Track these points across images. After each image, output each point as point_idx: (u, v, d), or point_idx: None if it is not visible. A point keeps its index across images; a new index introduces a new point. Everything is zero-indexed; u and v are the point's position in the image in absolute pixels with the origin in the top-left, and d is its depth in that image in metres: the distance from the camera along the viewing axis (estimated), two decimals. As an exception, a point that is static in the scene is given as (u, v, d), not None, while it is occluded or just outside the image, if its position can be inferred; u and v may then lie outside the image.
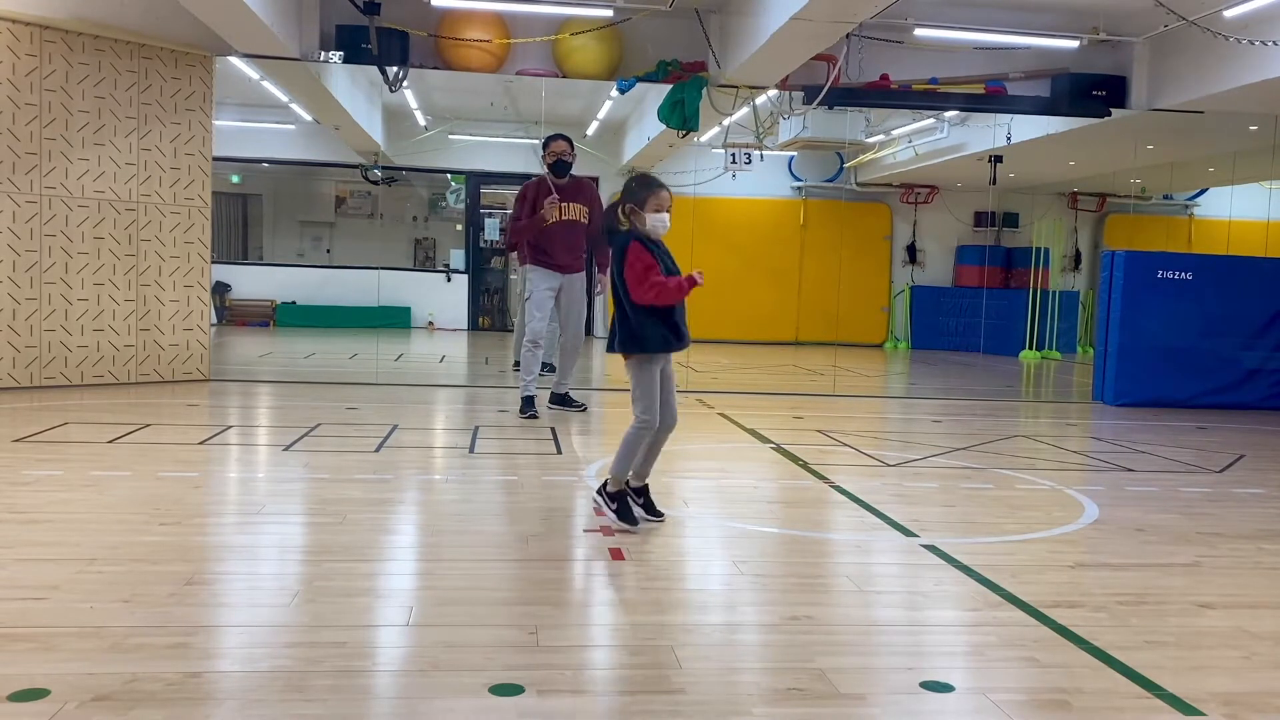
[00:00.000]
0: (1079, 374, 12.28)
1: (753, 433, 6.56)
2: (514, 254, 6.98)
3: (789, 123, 10.93)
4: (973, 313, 15.08)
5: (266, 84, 10.40)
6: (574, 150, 6.78)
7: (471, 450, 5.62)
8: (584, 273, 6.96)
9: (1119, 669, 2.63)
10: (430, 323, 15.22)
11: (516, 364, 8.60)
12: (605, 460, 5.37)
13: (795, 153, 14.65)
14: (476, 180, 15.40)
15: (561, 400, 7.18)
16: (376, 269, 15.17)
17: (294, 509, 4.15)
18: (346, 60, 8.38)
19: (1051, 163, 12.94)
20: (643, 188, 3.87)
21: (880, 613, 3.05)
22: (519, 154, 14.12)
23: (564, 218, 6.71)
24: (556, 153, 6.70)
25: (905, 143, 13.12)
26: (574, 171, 6.86)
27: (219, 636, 2.69)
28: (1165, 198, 16.17)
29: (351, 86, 10.99)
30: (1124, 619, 3.04)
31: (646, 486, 4.02)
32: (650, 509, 4.00)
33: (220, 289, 14.28)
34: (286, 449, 5.39)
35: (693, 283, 3.78)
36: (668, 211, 3.88)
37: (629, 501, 3.96)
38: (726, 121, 9.97)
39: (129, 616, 2.75)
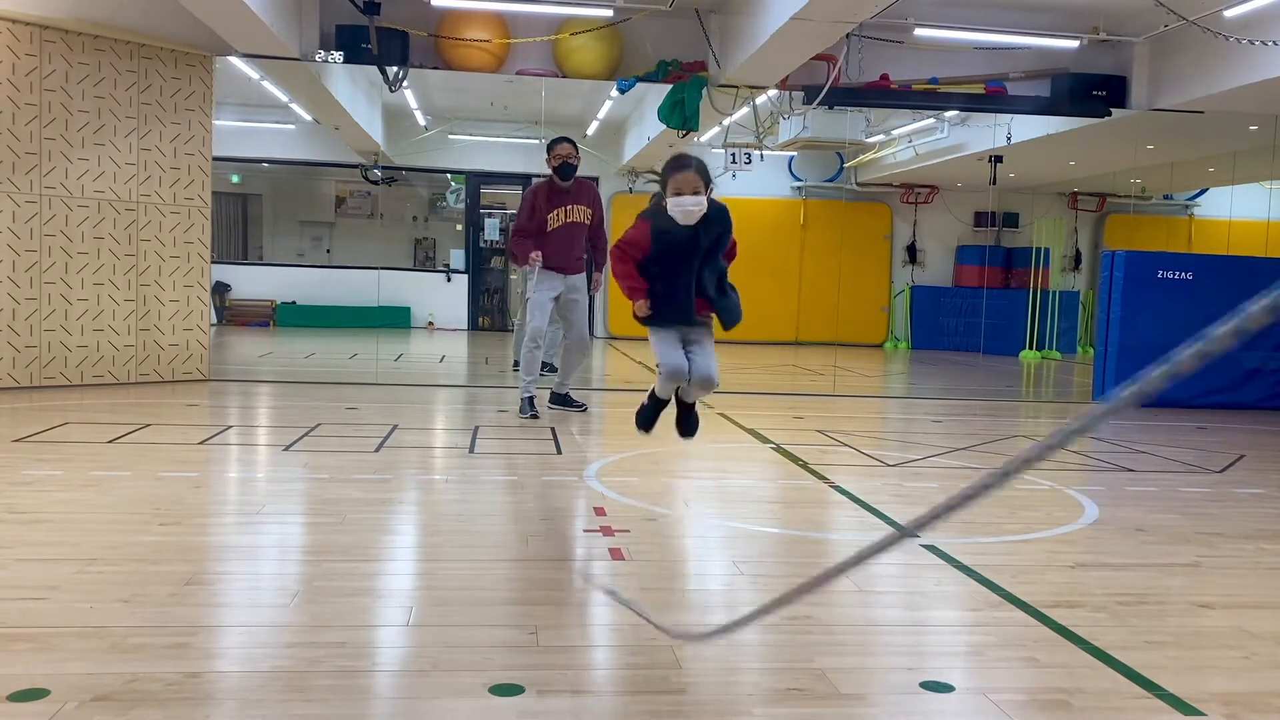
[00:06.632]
0: (1079, 374, 12.28)
1: (753, 433, 6.55)
2: (517, 262, 6.97)
3: (789, 123, 10.93)
4: (973, 313, 15.08)
5: (266, 84, 10.39)
6: (579, 153, 6.77)
7: (471, 450, 5.61)
8: (584, 274, 6.96)
9: (1119, 669, 2.63)
10: (430, 323, 15.22)
11: (516, 364, 8.60)
12: (605, 460, 5.38)
13: (795, 153, 14.64)
14: (476, 180, 15.40)
15: (562, 400, 7.18)
16: (376, 269, 15.17)
17: (294, 509, 4.15)
18: (346, 60, 8.38)
19: (1051, 163, 12.93)
20: (667, 170, 3.69)
21: (880, 613, 3.05)
22: (519, 154, 14.11)
23: (567, 220, 6.73)
24: (562, 155, 6.68)
25: (905, 143, 13.12)
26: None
27: (219, 636, 2.69)
28: (1165, 198, 16.17)
29: (351, 86, 10.98)
30: (1124, 619, 3.04)
31: None
32: None
33: (220, 289, 14.27)
34: (286, 449, 5.39)
35: (640, 309, 3.75)
36: (689, 195, 3.65)
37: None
38: (726, 121, 9.97)
39: (129, 616, 2.75)
